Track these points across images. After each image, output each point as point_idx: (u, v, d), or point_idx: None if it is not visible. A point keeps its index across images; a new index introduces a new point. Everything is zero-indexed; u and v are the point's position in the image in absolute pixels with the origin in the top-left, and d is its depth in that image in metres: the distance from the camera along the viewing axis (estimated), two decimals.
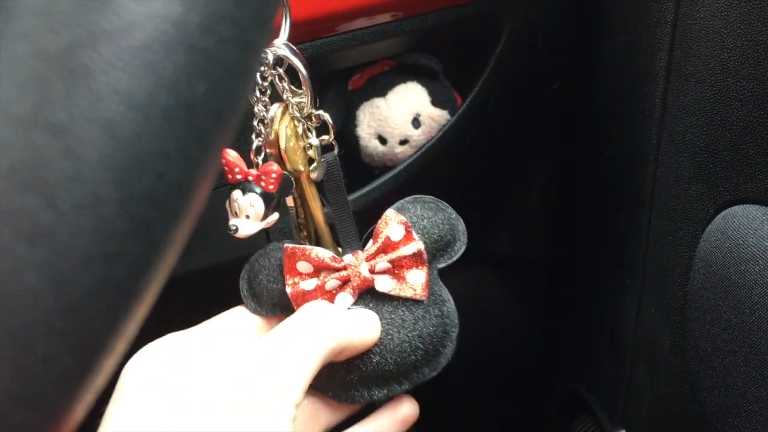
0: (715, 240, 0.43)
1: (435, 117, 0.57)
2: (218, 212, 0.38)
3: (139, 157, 0.15)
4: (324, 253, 0.38)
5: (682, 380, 0.48)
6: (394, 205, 0.40)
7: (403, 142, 0.57)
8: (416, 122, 0.56)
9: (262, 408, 0.28)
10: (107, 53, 0.15)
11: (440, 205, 0.40)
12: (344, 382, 0.38)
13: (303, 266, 0.38)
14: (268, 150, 0.38)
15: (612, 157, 0.55)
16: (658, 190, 0.49)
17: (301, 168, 0.38)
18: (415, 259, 0.38)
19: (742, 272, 0.40)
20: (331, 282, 0.38)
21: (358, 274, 0.37)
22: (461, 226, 0.40)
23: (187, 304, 0.38)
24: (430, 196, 0.40)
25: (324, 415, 0.38)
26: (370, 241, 0.39)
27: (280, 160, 0.38)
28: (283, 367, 0.30)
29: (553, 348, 0.76)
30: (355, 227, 0.40)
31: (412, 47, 0.57)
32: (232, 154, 0.36)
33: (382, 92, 0.57)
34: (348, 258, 0.38)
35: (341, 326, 0.34)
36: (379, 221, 0.39)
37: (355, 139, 0.57)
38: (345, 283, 0.38)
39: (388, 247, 0.38)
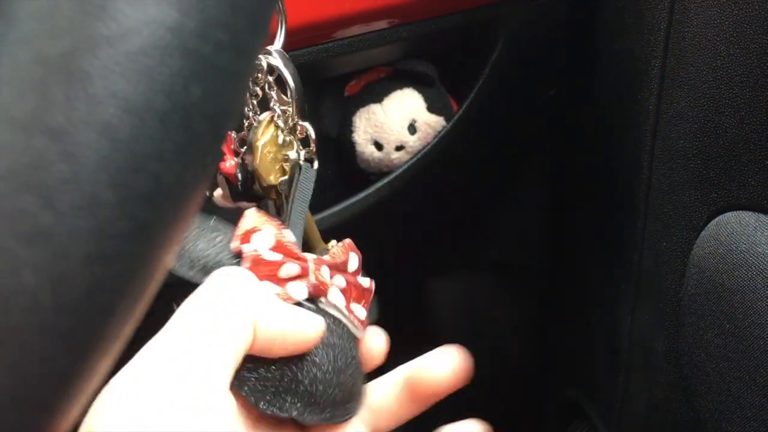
0: (708, 246, 0.43)
1: (431, 123, 0.57)
2: (215, 214, 0.38)
3: (136, 159, 0.16)
4: (290, 236, 0.33)
5: (676, 386, 0.48)
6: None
7: (399, 148, 0.57)
8: (412, 128, 0.57)
9: (193, 405, 0.25)
10: (105, 58, 0.15)
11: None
12: (268, 386, 0.31)
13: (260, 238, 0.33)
14: (248, 158, 0.37)
15: (607, 163, 0.56)
16: (652, 196, 0.49)
17: (275, 183, 0.37)
18: (365, 294, 0.34)
19: (735, 278, 0.40)
20: (290, 266, 0.32)
21: (317, 273, 0.32)
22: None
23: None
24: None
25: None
26: (326, 255, 0.35)
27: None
28: (208, 355, 0.27)
29: (549, 353, 0.76)
30: (301, 242, 0.35)
31: (408, 54, 0.57)
32: None
33: (378, 98, 0.57)
34: (309, 255, 0.33)
35: (266, 310, 0.29)
36: (336, 244, 0.35)
37: (351, 145, 0.58)
38: (301, 276, 0.32)
39: (344, 269, 0.34)
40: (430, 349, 0.37)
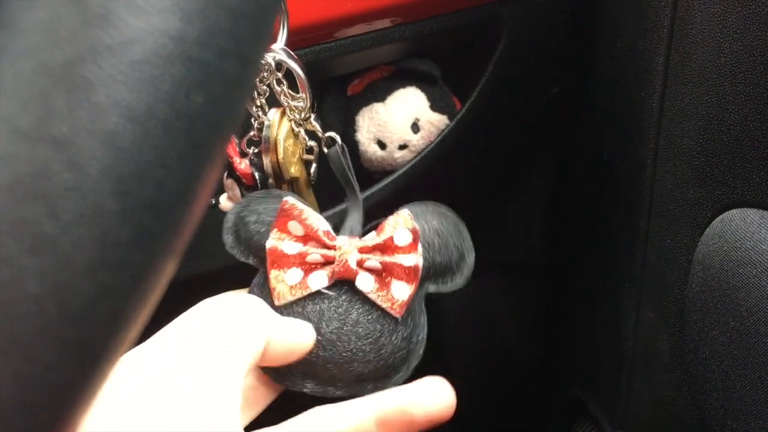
0: (713, 243, 0.43)
1: (434, 122, 0.57)
2: (217, 220, 0.38)
3: (140, 167, 0.16)
4: (320, 224, 0.36)
5: (681, 383, 0.48)
6: (412, 206, 0.37)
7: (403, 147, 0.57)
8: (415, 127, 0.57)
9: (206, 404, 0.28)
10: (108, 67, 0.15)
11: (459, 228, 0.38)
12: (287, 366, 0.35)
13: (294, 227, 0.36)
14: (266, 155, 0.38)
15: (610, 161, 0.56)
16: (656, 194, 0.49)
17: (296, 175, 0.39)
18: (408, 273, 0.35)
19: (739, 275, 0.40)
20: (314, 256, 0.35)
21: (344, 261, 0.35)
22: (471, 258, 0.38)
23: (187, 309, 0.38)
24: (453, 213, 0.38)
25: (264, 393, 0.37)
26: (372, 233, 0.37)
27: (277, 167, 0.38)
28: (222, 364, 0.29)
29: (553, 352, 0.76)
30: (361, 217, 0.38)
31: (410, 53, 0.57)
32: None
33: (381, 97, 0.57)
34: (342, 240, 0.36)
35: (274, 329, 0.33)
36: (390, 217, 0.36)
37: (354, 145, 0.58)
38: (327, 263, 0.36)
39: (387, 248, 0.36)
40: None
